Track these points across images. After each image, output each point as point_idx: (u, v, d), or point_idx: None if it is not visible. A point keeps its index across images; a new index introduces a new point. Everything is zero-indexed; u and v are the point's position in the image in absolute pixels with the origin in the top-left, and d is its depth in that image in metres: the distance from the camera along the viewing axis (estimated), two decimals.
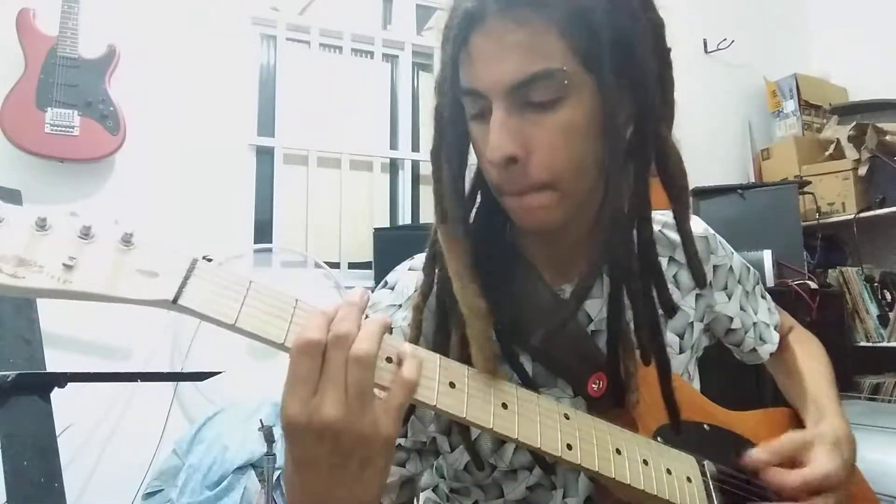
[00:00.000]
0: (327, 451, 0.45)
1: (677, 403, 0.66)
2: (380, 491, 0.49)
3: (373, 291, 2.30)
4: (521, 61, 0.57)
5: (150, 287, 0.42)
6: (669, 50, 0.63)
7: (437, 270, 0.65)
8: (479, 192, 0.68)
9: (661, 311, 0.66)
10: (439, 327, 0.64)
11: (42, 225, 0.40)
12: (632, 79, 0.59)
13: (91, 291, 0.40)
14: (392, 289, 0.74)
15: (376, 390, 0.47)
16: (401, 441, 0.71)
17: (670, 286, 0.71)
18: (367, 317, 0.48)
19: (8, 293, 0.39)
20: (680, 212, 0.66)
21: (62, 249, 0.40)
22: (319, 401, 0.44)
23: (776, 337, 0.89)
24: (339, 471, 0.46)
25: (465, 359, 0.58)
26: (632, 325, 0.65)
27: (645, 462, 0.60)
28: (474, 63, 0.59)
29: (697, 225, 0.80)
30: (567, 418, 0.57)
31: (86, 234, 0.41)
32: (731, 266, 0.84)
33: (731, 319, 0.84)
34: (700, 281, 0.69)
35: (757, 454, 0.69)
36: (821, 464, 0.68)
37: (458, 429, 0.66)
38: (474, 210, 0.69)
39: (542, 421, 0.55)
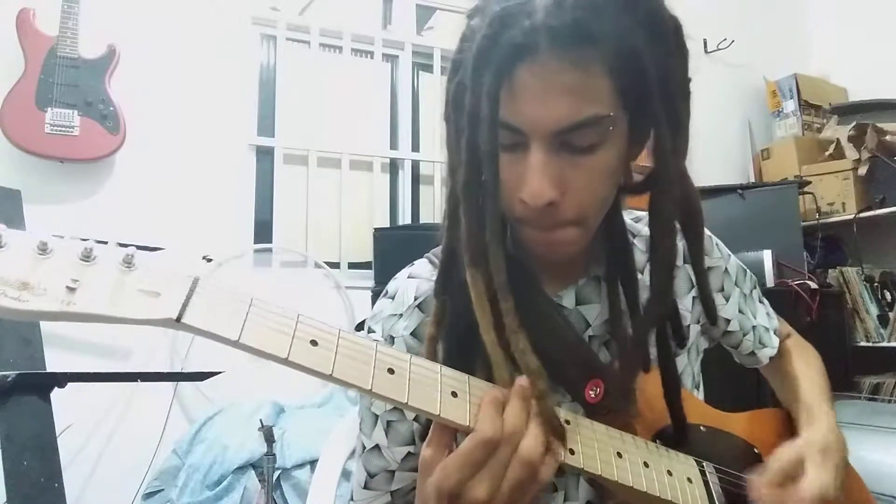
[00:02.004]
0: None
1: (685, 417, 0.66)
2: None
3: (373, 292, 2.28)
4: (571, 106, 0.54)
5: (154, 306, 0.42)
6: (690, 80, 0.62)
7: (455, 308, 0.62)
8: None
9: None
10: (461, 363, 0.59)
11: (44, 248, 0.40)
12: (666, 113, 0.58)
13: (94, 312, 0.40)
14: (392, 298, 0.75)
15: None
16: (410, 449, 0.71)
17: None
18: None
19: (13, 316, 0.39)
20: (694, 247, 0.66)
21: (64, 272, 0.40)
22: (477, 483, 0.50)
23: (776, 341, 0.89)
24: None
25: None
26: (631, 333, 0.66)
27: (646, 464, 0.61)
28: (518, 99, 0.55)
29: None
30: (568, 424, 0.57)
31: (87, 256, 0.41)
32: (726, 268, 0.83)
33: (728, 322, 0.83)
34: (712, 318, 0.70)
35: (761, 486, 0.68)
36: (814, 479, 0.68)
37: None
38: None
39: None
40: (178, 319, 0.43)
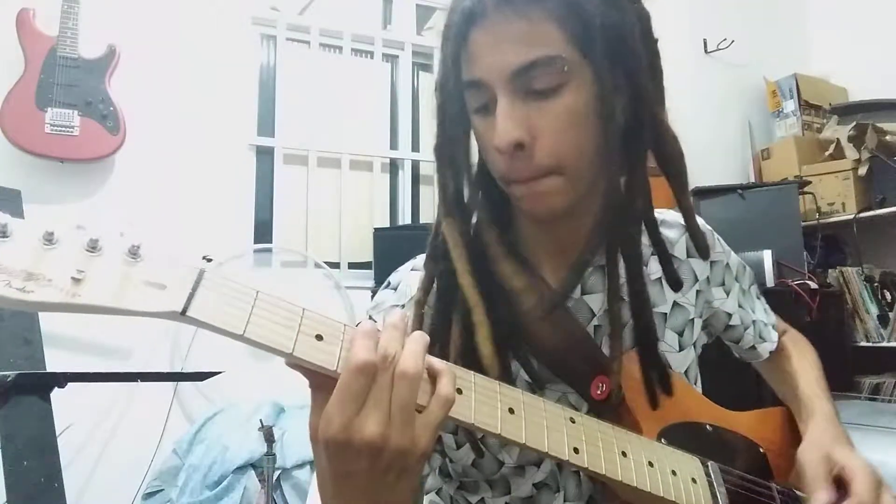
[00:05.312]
0: (367, 466, 0.46)
1: (654, 385, 0.68)
2: (412, 496, 0.51)
3: (373, 292, 2.29)
4: (521, 49, 0.58)
5: (159, 299, 0.42)
6: (657, 40, 0.66)
7: (438, 266, 0.66)
8: (480, 190, 0.69)
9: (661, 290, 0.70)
10: (441, 320, 0.65)
11: (49, 239, 0.40)
12: (625, 65, 0.61)
13: (100, 304, 0.40)
14: (395, 289, 0.75)
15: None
16: None
17: (666, 285, 0.72)
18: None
19: (17, 307, 0.38)
20: (678, 190, 0.68)
21: (70, 263, 0.40)
22: (364, 419, 0.45)
23: (775, 336, 0.90)
24: (376, 484, 0.47)
25: (467, 350, 0.61)
26: (630, 320, 0.67)
27: (650, 464, 0.61)
28: (475, 55, 0.61)
29: None
30: (573, 422, 0.57)
31: (93, 247, 0.41)
32: (727, 263, 0.84)
33: (730, 316, 0.84)
34: (703, 252, 0.73)
35: (821, 499, 0.67)
36: (856, 465, 0.68)
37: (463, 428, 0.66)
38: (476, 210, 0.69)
39: (549, 425, 0.55)
40: (184, 312, 0.42)
